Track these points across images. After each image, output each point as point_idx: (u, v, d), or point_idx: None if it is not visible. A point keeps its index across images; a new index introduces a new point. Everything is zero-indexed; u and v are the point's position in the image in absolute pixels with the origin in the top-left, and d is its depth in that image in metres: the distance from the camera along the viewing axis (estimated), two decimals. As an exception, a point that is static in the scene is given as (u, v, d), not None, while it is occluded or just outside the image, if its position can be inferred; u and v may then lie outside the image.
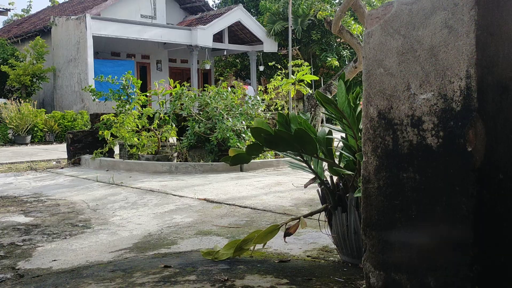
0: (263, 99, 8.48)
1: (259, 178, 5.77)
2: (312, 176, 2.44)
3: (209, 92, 7.48)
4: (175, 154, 7.14)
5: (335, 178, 2.41)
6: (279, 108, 8.80)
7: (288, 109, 9.10)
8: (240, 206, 4.08)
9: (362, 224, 1.62)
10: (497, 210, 1.44)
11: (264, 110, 8.07)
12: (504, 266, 1.48)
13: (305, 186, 2.46)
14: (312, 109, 8.99)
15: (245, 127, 6.73)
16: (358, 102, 2.15)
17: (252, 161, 6.81)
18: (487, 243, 1.40)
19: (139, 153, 6.92)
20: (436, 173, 1.42)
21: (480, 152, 1.36)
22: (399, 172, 1.50)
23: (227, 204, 4.19)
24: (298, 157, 2.32)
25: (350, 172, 2.19)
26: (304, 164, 2.35)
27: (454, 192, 1.38)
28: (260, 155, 7.37)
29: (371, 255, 1.59)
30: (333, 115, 2.07)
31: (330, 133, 2.19)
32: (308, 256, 2.59)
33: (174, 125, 7.29)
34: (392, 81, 1.52)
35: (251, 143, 2.12)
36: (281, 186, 5.12)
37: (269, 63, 11.44)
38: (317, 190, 2.48)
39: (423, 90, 1.44)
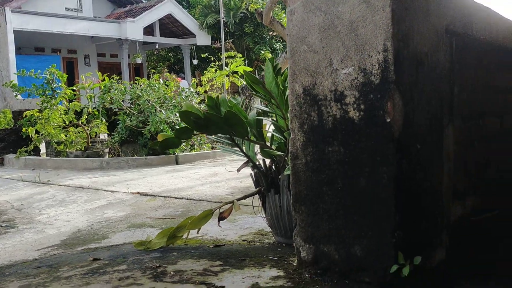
0: (197, 92, 8.39)
1: (196, 170, 5.72)
2: (245, 160, 2.44)
3: (141, 85, 7.29)
4: (107, 150, 6.89)
5: (268, 161, 2.42)
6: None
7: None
8: (176, 198, 4.01)
9: (292, 199, 1.64)
10: (416, 179, 1.51)
11: (199, 103, 7.98)
12: (425, 232, 1.56)
13: (238, 170, 2.45)
14: (247, 100, 9.03)
15: (179, 119, 6.63)
16: (287, 85, 2.17)
17: (188, 153, 6.74)
18: (408, 210, 1.47)
19: (67, 150, 6.61)
20: (359, 145, 1.46)
21: (398, 122, 1.42)
22: (325, 147, 1.53)
23: (162, 196, 4.11)
24: (230, 141, 2.31)
25: (280, 153, 2.21)
26: (236, 148, 2.34)
27: (375, 162, 1.43)
28: (196, 147, 7.31)
29: (301, 229, 1.62)
30: (262, 96, 2.07)
31: (260, 114, 2.19)
32: (243, 240, 2.60)
33: (104, 120, 7.03)
34: (315, 57, 1.54)
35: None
36: (217, 176, 5.10)
37: (202, 55, 11.31)
38: (250, 174, 2.48)
39: (344, 65, 1.48)
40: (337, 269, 1.52)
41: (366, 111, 1.44)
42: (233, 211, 2.63)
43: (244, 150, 2.35)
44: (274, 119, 2.29)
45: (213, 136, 2.26)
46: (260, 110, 2.24)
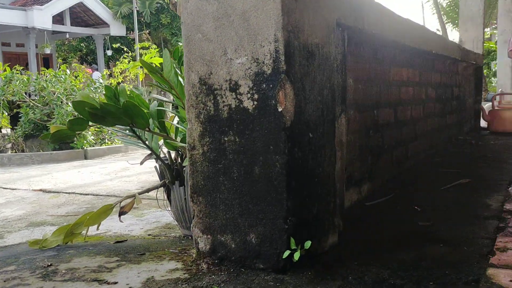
0: (110, 83, 8.07)
1: (105, 164, 5.50)
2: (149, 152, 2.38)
3: (47, 76, 6.86)
4: (9, 145, 6.42)
5: (173, 153, 2.38)
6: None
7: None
8: (81, 194, 3.83)
9: (190, 191, 1.62)
10: (309, 166, 1.55)
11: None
12: (317, 217, 1.62)
13: (141, 163, 2.39)
14: (162, 93, 8.84)
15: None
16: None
17: (98, 147, 6.46)
18: (301, 197, 1.51)
19: (-38, 145, 6.06)
20: (253, 135, 1.47)
21: (290, 112, 1.45)
22: (221, 136, 1.53)
23: (66, 193, 3.90)
24: (132, 133, 2.24)
25: (184, 145, 2.18)
26: (138, 140, 2.27)
27: (269, 151, 1.45)
28: (107, 141, 7.03)
29: (199, 220, 1.61)
30: (162, 86, 2.03)
31: (161, 105, 2.14)
32: (149, 234, 2.54)
33: (5, 113, 6.53)
34: (210, 46, 1.53)
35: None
36: (128, 171, 4.95)
37: (113, 45, 10.85)
38: (155, 167, 2.43)
39: (238, 55, 1.48)
40: (233, 258, 1.53)
41: (259, 100, 1.46)
42: (142, 205, 2.54)
43: (148, 142, 2.29)
44: (178, 109, 2.25)
45: (113, 127, 2.18)
46: (162, 101, 2.19)
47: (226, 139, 1.52)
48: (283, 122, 1.43)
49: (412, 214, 2.07)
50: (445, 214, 2.02)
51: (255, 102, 1.47)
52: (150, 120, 2.18)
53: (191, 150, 1.60)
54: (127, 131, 2.23)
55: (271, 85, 1.43)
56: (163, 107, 2.14)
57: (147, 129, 2.09)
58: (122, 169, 5.05)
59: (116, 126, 2.16)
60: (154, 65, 2.00)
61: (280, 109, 1.43)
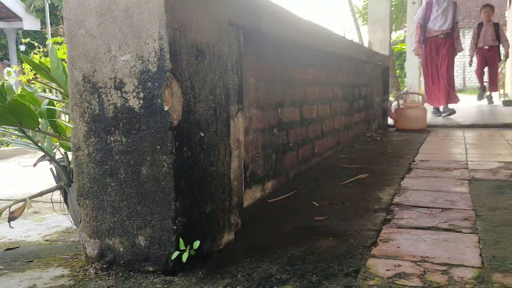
0: (19, 80, 7.58)
1: (10, 166, 5.16)
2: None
3: None
4: None
5: (70, 155, 2.27)
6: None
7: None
8: (-23, 200, 3.56)
9: (76, 194, 1.55)
10: (200, 165, 1.54)
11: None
12: (211, 216, 1.61)
13: (34, 165, 2.26)
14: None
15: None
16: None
17: (3, 148, 6.03)
18: (191, 196, 1.50)
19: None
20: (140, 135, 1.44)
21: (177, 111, 1.43)
22: (107, 137, 1.48)
23: (-41, 199, 3.61)
24: (22, 133, 2.10)
25: (79, 145, 2.08)
26: (30, 141, 2.14)
27: (156, 151, 1.42)
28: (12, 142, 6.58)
29: (86, 224, 1.54)
30: (49, 84, 1.92)
31: (51, 104, 2.04)
32: (46, 240, 2.41)
33: None
34: (94, 43, 1.47)
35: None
36: (34, 173, 4.66)
37: (23, 40, 10.18)
38: (50, 169, 2.31)
39: (122, 52, 1.44)
40: (122, 261, 1.49)
41: (145, 99, 1.42)
42: (44, 209, 2.39)
43: (41, 143, 2.17)
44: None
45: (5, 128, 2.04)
46: (51, 99, 2.08)
47: (112, 139, 1.47)
48: (170, 121, 1.40)
49: (310, 209, 2.13)
50: (339, 209, 2.10)
51: (141, 101, 1.43)
52: (42, 120, 2.07)
53: (76, 151, 1.53)
54: (17, 131, 2.10)
55: (156, 84, 1.41)
56: (54, 105, 2.03)
57: (37, 129, 1.98)
58: (27, 171, 4.76)
59: (4, 126, 2.03)
60: (39, 62, 1.89)
61: (166, 108, 1.40)
